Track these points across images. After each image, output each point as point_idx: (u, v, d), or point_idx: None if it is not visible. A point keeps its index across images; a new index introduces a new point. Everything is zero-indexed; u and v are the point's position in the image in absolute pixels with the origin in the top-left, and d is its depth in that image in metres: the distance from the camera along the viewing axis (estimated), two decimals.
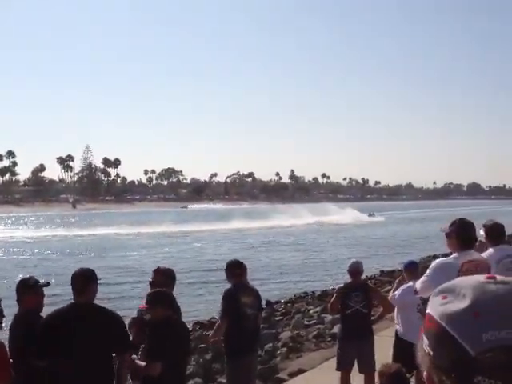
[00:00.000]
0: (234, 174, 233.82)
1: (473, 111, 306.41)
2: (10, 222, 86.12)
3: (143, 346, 5.04)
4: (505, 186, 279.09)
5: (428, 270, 4.81)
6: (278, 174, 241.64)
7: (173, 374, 4.95)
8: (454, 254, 4.76)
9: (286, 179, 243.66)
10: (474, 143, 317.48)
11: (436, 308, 0.96)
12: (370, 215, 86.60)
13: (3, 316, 4.82)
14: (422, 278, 4.88)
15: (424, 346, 0.95)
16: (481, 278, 0.98)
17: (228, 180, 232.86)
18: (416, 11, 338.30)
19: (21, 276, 5.64)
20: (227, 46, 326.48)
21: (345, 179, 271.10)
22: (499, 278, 0.98)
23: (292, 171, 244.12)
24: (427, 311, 0.98)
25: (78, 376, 4.50)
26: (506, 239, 6.13)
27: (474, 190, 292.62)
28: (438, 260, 5.02)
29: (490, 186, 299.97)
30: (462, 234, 4.75)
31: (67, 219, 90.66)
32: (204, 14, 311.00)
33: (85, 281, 4.78)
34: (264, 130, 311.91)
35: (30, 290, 5.09)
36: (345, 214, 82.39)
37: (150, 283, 5.86)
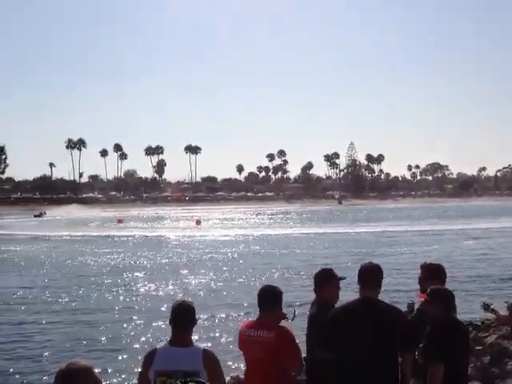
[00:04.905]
0: (504, 168, 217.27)
1: None
2: (285, 217, 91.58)
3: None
4: None
5: None
6: None
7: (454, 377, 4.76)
8: None
9: None
10: None
11: None
12: None
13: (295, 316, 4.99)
14: None
15: None
16: None
17: (498, 174, 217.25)
18: None
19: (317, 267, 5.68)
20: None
21: None
22: None
23: None
24: None
25: (364, 372, 4.44)
26: None
27: None
28: None
29: None
30: None
31: (337, 215, 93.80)
32: None
33: (375, 275, 4.65)
34: None
35: (328, 281, 5.09)
36: None
37: (419, 279, 5.72)
